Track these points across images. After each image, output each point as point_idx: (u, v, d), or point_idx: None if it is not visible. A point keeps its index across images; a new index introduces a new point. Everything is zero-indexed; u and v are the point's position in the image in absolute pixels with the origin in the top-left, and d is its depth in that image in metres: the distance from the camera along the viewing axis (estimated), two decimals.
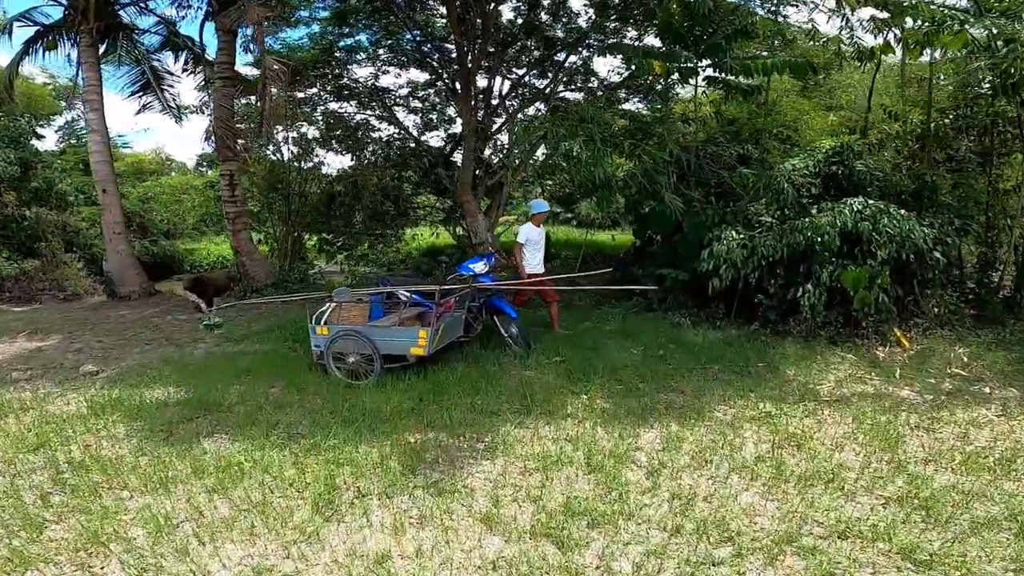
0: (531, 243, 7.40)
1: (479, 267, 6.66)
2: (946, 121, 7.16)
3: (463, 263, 6.95)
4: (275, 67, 9.25)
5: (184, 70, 14.50)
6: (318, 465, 4.39)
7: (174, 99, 14.81)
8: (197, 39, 14.75)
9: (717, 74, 9.20)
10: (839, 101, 14.95)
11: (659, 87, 12.94)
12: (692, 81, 9.42)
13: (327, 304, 6.23)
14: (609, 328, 7.75)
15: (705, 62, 9.15)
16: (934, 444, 4.49)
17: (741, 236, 7.07)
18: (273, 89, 9.52)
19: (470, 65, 14.54)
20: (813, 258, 6.73)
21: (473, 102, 15.36)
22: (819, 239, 6.45)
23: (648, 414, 5.05)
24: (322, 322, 6.16)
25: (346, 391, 5.81)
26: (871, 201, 6.52)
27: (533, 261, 7.44)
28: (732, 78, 9.12)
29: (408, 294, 6.55)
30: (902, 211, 6.40)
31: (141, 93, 14.60)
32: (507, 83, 16.97)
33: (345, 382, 6.01)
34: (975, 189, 7.66)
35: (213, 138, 10.83)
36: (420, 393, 5.68)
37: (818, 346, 6.64)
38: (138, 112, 14.48)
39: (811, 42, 12.19)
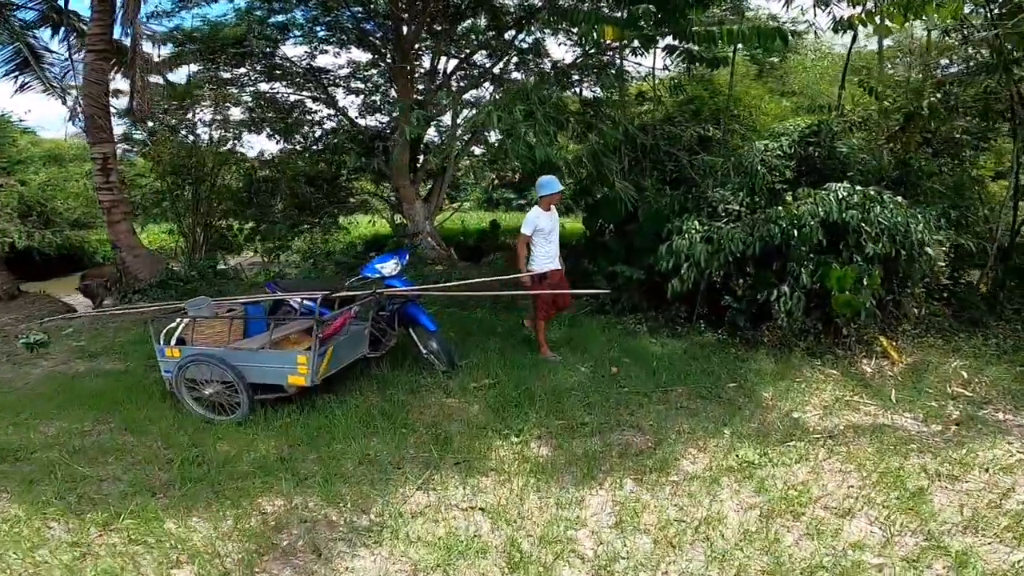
0: (540, 233, 5.65)
1: (388, 268, 5.29)
2: (935, 98, 6.22)
3: (368, 263, 5.55)
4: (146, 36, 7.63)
5: (70, 47, 12.51)
6: (109, 549, 3.01)
7: (57, 78, 12.77)
8: (81, 13, 12.74)
9: (678, 43, 8.08)
10: (792, 87, 14.33)
11: (614, 66, 11.79)
12: (650, 51, 8.26)
13: (179, 318, 4.74)
14: (554, 337, 6.50)
15: (665, 33, 8.04)
16: (966, 501, 3.43)
17: (705, 228, 5.94)
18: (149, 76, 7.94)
19: (407, 38, 13.09)
20: (789, 254, 5.67)
21: (411, 79, 13.91)
22: (797, 231, 5.37)
23: (596, 465, 3.83)
24: (172, 341, 4.68)
25: (199, 432, 4.39)
26: (859, 187, 5.48)
27: (544, 256, 5.70)
28: (695, 47, 8.02)
29: (300, 302, 5.13)
30: (898, 198, 5.38)
31: (18, 72, 12.55)
32: (453, 62, 15.63)
33: (203, 418, 4.57)
34: (967, 176, 6.78)
35: (80, 118, 9.03)
36: (300, 436, 4.30)
37: (795, 359, 5.58)
38: (15, 93, 12.47)
39: (771, 21, 11.32)
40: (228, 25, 13.63)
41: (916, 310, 6.38)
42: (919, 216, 5.31)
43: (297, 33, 14.73)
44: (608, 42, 8.74)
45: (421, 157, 13.05)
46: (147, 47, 9.30)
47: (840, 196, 5.40)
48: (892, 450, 4.02)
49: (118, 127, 13.29)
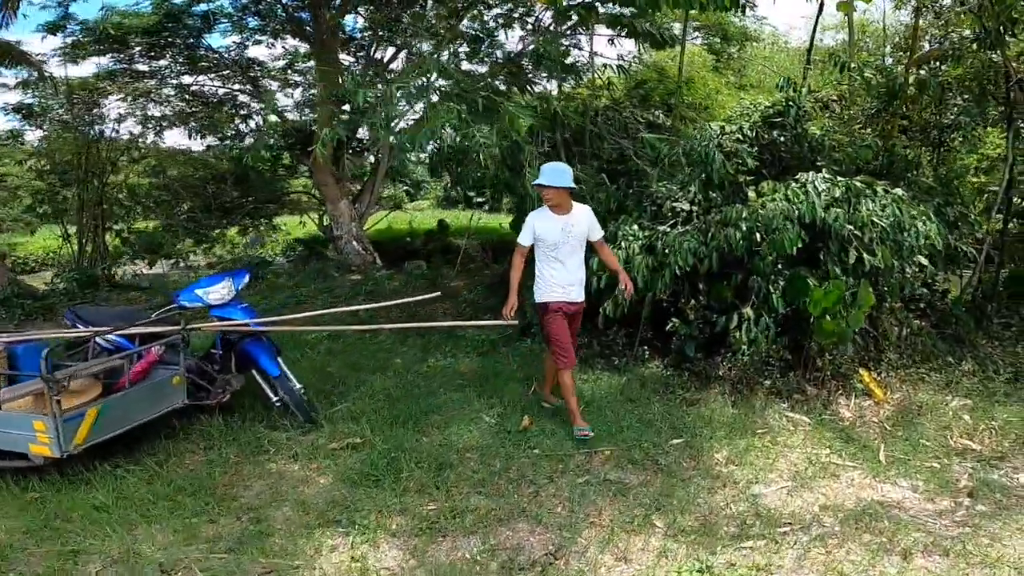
0: (543, 246, 3.94)
1: (215, 293, 3.94)
2: (923, 72, 5.12)
3: (185, 288, 4.19)
4: None
5: None
6: None
7: None
8: None
9: (621, 12, 6.91)
10: (751, 80, 13.56)
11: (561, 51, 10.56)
12: (591, 22, 7.07)
13: None
14: (461, 369, 5.23)
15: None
16: None
17: (647, 233, 4.73)
18: None
19: (322, 25, 11.69)
20: (753, 266, 4.49)
21: (333, 69, 12.53)
22: (765, 238, 4.18)
23: None
24: None
25: None
26: (841, 178, 4.31)
27: (551, 280, 3.96)
28: (638, 19, 6.84)
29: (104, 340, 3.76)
30: (897, 191, 4.23)
31: None
32: (397, 53, 14.34)
33: None
34: (958, 165, 5.71)
35: None
36: (44, 518, 2.98)
37: (757, 401, 4.38)
38: None
39: None
40: (140, 14, 12.25)
41: (897, 328, 5.28)
42: (930, 215, 4.16)
43: (224, 22, 13.36)
44: (540, 7, 7.51)
45: (349, 152, 11.69)
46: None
47: (819, 189, 4.22)
48: (888, 544, 2.85)
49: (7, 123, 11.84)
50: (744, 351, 4.26)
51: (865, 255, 4.03)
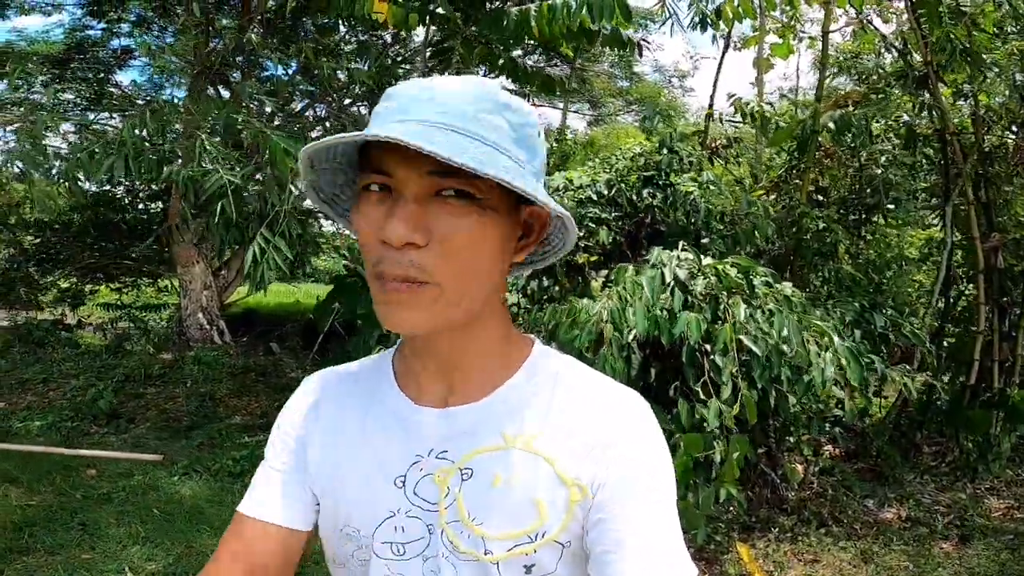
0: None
1: None
2: (846, 111, 3.85)
3: None
4: None
5: None
6: None
7: None
8: None
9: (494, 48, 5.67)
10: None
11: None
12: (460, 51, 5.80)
13: None
14: (181, 494, 3.60)
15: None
16: None
17: None
18: None
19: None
20: None
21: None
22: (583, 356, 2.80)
23: None
24: None
25: None
26: (708, 260, 2.99)
27: None
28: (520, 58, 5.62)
29: None
30: (787, 287, 2.88)
31: None
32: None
33: None
34: (888, 250, 4.46)
35: None
36: None
37: None
38: None
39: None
40: (49, 43, 10.90)
41: (802, 467, 3.99)
42: (831, 336, 2.81)
43: (139, 60, 11.94)
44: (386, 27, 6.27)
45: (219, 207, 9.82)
46: None
47: (664, 279, 2.88)
48: None
49: None
50: None
51: (720, 403, 2.65)
